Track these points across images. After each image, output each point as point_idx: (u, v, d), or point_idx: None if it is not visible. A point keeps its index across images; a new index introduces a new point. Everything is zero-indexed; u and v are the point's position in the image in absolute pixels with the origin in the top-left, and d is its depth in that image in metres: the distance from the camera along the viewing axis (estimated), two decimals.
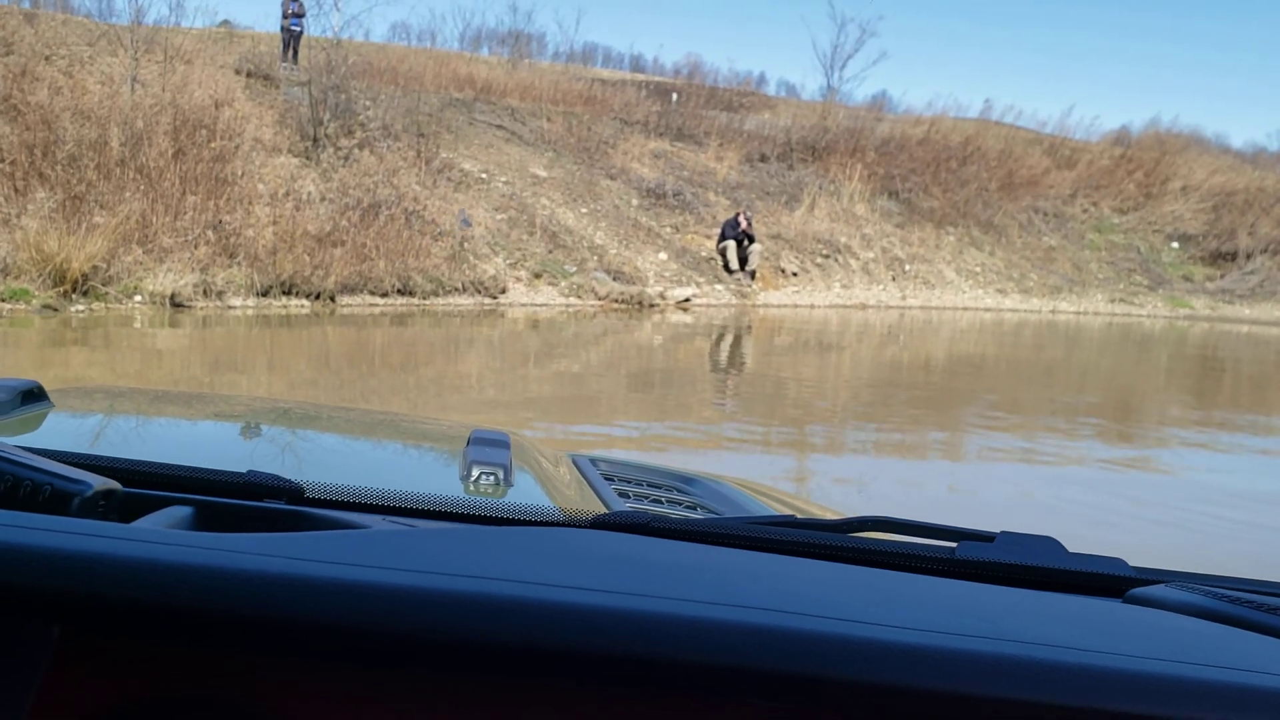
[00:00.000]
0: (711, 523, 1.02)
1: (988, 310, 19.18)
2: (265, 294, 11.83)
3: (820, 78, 46.58)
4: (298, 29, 18.36)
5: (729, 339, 13.60)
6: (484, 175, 16.16)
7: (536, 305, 14.07)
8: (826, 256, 18.44)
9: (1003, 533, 1.00)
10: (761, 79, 26.46)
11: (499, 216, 15.29)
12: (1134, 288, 21.26)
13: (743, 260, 16.82)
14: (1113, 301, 20.59)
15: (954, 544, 0.98)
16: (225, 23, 20.79)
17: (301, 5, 18.36)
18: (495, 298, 13.74)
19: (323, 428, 1.74)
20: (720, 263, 16.87)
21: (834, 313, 16.99)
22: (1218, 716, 0.62)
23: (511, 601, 0.64)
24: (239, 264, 11.89)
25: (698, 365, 11.07)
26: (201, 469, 0.96)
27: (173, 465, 0.97)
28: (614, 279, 15.08)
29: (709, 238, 17.32)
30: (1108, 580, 0.96)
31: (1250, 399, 10.94)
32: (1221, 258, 22.38)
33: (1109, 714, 0.62)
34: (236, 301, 11.61)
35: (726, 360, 11.69)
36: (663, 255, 16.47)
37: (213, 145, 13.14)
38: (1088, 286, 20.91)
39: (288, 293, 11.97)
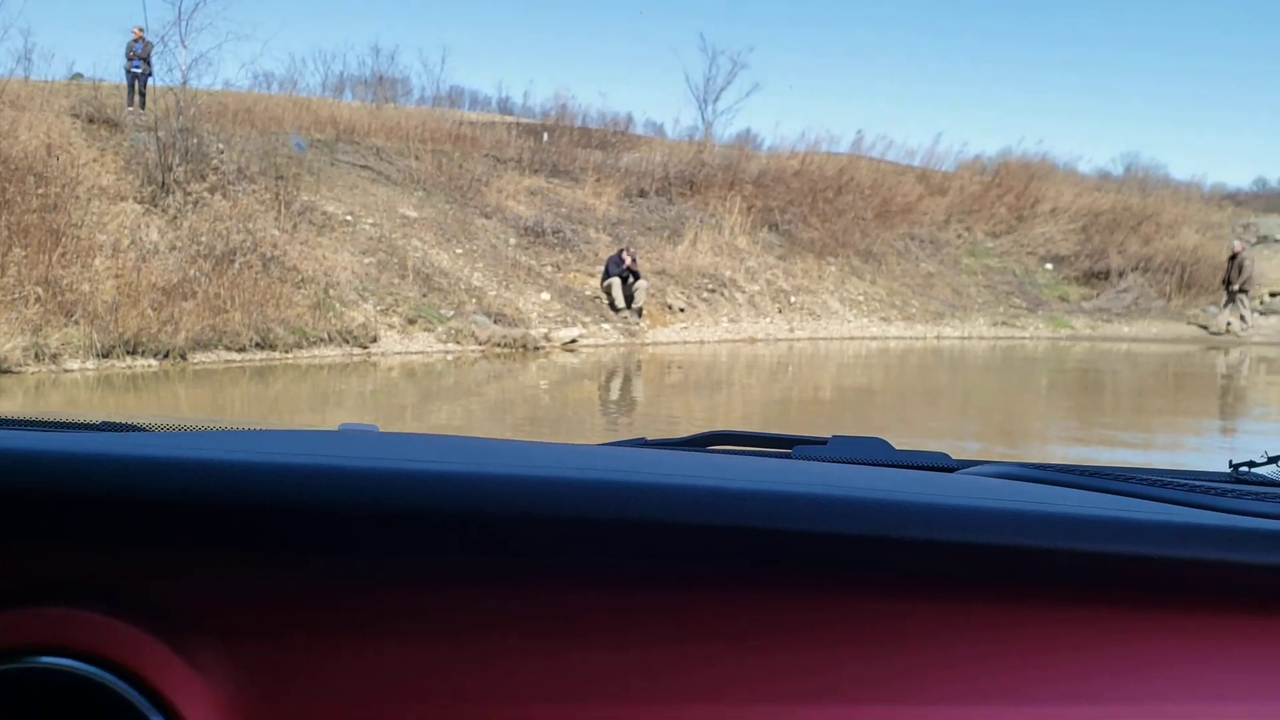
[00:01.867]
0: (567, 446, 1.06)
1: (874, 339, 19.03)
2: (107, 354, 10.70)
3: (693, 111, 46.72)
4: (139, 70, 17.21)
5: (619, 380, 12.99)
6: (349, 217, 15.23)
7: (412, 353, 13.19)
8: (712, 291, 18.02)
9: (835, 436, 1.15)
10: (629, 119, 25.99)
11: (367, 260, 14.38)
12: (1014, 310, 21.44)
13: (629, 298, 16.24)
14: (995, 324, 20.69)
15: (790, 449, 1.11)
16: (77, 76, 19.40)
17: (147, 46, 17.23)
18: (366, 347, 12.82)
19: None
20: (606, 301, 16.25)
21: (724, 348, 16.54)
22: (1038, 542, 0.70)
23: (356, 471, 0.68)
24: (76, 322, 10.74)
25: (586, 410, 10.42)
26: (50, 419, 1.03)
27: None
28: (495, 322, 14.30)
29: (592, 276, 16.71)
30: (936, 467, 1.09)
31: (1134, 419, 10.83)
32: (1095, 277, 22.77)
33: (947, 545, 0.69)
34: (74, 364, 10.46)
35: (617, 403, 11.07)
36: (545, 295, 15.78)
37: (42, 192, 11.95)
38: (969, 311, 21.00)
39: (132, 352, 10.85)
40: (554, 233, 17.45)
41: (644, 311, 16.42)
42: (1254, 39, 67.43)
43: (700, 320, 17.39)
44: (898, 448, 1.11)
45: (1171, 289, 22.23)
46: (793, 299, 19.08)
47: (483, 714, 0.65)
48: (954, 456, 1.14)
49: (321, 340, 12.41)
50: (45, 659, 0.62)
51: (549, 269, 16.65)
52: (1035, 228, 24.05)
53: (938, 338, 19.65)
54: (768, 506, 0.68)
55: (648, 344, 15.97)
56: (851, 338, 18.80)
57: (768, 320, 18.34)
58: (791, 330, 18.34)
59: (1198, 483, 0.97)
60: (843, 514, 0.69)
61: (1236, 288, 20.28)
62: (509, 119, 25.13)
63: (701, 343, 16.73)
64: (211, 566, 0.65)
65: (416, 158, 18.05)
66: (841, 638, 0.68)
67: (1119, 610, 0.71)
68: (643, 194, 20.01)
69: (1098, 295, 22.35)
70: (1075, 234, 23.71)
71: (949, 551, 0.69)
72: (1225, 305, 20.66)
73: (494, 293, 15.11)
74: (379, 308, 13.55)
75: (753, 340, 17.45)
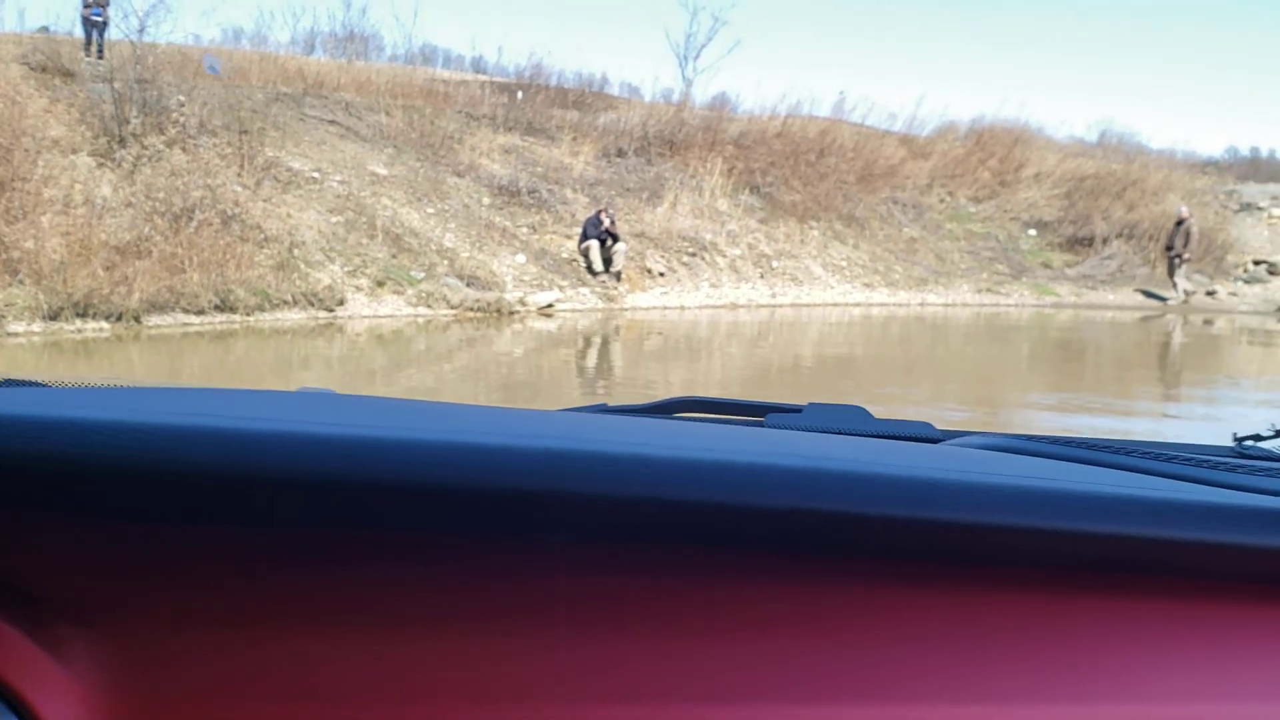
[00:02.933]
0: (516, 411, 0.97)
1: (857, 305, 18.62)
2: (55, 317, 10.11)
3: (672, 70, 45.89)
4: (99, 18, 16.42)
5: (596, 347, 12.53)
6: (315, 174, 14.59)
7: (381, 317, 12.66)
8: (693, 255, 17.52)
9: (810, 404, 1.09)
10: (604, 80, 25.21)
11: (334, 219, 13.78)
12: (998, 277, 21.06)
13: (607, 261, 15.72)
14: (979, 291, 20.31)
15: (762, 417, 1.04)
16: (43, 29, 18.48)
17: None
18: (332, 310, 12.26)
19: None
20: (583, 264, 15.73)
21: (704, 314, 16.08)
22: (1032, 521, 0.63)
23: (259, 435, 0.59)
24: (20, 282, 10.15)
25: (562, 377, 9.97)
26: None
27: None
28: (468, 285, 13.77)
29: (569, 238, 16.17)
30: (919, 438, 1.00)
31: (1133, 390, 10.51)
32: (1079, 243, 22.40)
33: (933, 524, 0.63)
34: (19, 327, 9.87)
35: (594, 370, 10.62)
36: (520, 258, 15.24)
37: None
38: (952, 277, 20.61)
39: (83, 314, 10.27)
40: (529, 193, 16.88)
41: (623, 275, 15.92)
42: (1222, 10, 67.20)
43: (680, 285, 16.91)
44: (878, 418, 1.06)
45: (1156, 256, 21.90)
46: (774, 264, 18.62)
47: (398, 714, 0.56)
48: (938, 427, 1.06)
49: (285, 303, 11.85)
50: None
51: (524, 230, 16.10)
52: (1018, 193, 23.64)
53: (921, 304, 19.26)
54: (729, 478, 0.62)
55: (626, 309, 15.49)
56: (834, 304, 18.37)
57: (749, 286, 17.88)
58: (774, 296, 17.89)
59: (1201, 457, 0.93)
60: (814, 488, 0.62)
61: (1187, 255, 20.10)
62: (482, 78, 24.40)
63: (682, 308, 16.26)
64: (86, 542, 0.55)
65: (387, 113, 17.39)
66: (813, 627, 0.61)
67: (1117, 597, 0.65)
68: (621, 154, 19.42)
69: (1082, 262, 22.00)
70: (1059, 199, 23.31)
71: (934, 531, 0.63)
72: (1175, 273, 20.44)
73: (467, 254, 14.57)
74: (346, 269, 12.98)
75: (734, 306, 17.00)
